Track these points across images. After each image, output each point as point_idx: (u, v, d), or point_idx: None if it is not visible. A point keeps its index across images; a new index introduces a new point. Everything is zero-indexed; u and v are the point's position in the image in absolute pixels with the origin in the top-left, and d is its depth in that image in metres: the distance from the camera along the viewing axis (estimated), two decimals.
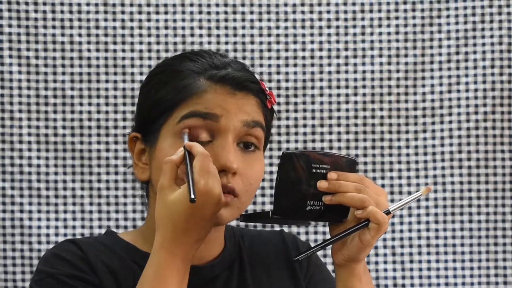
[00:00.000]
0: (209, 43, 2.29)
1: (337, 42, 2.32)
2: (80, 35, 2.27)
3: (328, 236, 2.31)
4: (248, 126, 1.36)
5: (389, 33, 2.32)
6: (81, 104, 2.27)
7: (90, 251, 1.37)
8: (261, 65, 2.30)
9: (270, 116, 1.43)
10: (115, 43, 2.28)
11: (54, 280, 1.34)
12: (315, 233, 2.30)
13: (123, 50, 2.28)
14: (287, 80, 2.31)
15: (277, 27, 2.31)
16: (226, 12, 2.30)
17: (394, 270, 2.30)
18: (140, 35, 2.28)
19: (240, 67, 1.41)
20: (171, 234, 1.25)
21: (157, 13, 2.29)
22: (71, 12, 2.27)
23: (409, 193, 2.32)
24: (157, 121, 1.37)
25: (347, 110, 2.32)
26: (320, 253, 2.20)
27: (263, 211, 1.34)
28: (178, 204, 1.23)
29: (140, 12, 2.29)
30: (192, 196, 1.20)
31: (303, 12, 2.32)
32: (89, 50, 2.27)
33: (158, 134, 1.37)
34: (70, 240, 1.40)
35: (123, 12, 2.28)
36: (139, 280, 1.28)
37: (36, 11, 2.26)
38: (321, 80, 2.32)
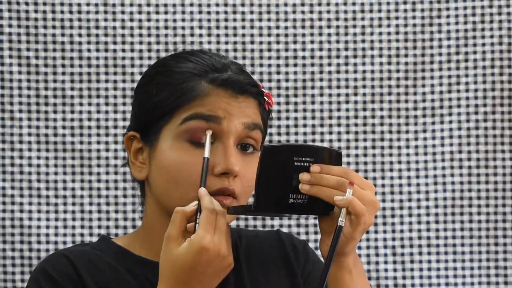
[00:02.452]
0: (209, 43, 2.29)
1: (337, 42, 2.32)
2: (80, 35, 2.27)
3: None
4: (249, 128, 1.37)
5: (389, 33, 2.32)
6: (81, 104, 2.27)
7: (82, 267, 1.36)
8: (261, 65, 2.30)
9: (267, 117, 1.44)
10: (115, 43, 2.28)
11: None
12: (315, 233, 2.30)
13: (123, 50, 2.28)
14: (287, 80, 2.31)
15: (277, 27, 2.31)
16: (226, 12, 2.30)
17: (395, 270, 2.30)
18: (140, 35, 2.28)
19: (239, 69, 1.41)
20: (173, 287, 1.24)
21: (157, 13, 2.29)
22: (71, 12, 2.27)
23: (409, 193, 2.32)
24: (158, 122, 1.37)
25: (347, 110, 2.32)
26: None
27: (244, 206, 1.33)
28: (183, 259, 1.23)
29: (140, 12, 2.29)
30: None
31: (303, 12, 2.32)
32: (89, 50, 2.27)
33: (159, 135, 1.37)
34: (62, 253, 1.39)
35: (123, 12, 2.28)
36: None
37: (36, 11, 2.26)
38: (321, 80, 2.32)
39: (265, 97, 1.42)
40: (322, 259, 1.36)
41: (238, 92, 1.37)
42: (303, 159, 1.27)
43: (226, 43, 2.30)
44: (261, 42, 2.31)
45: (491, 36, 2.31)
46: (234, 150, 1.35)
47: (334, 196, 1.25)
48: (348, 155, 2.31)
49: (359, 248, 2.27)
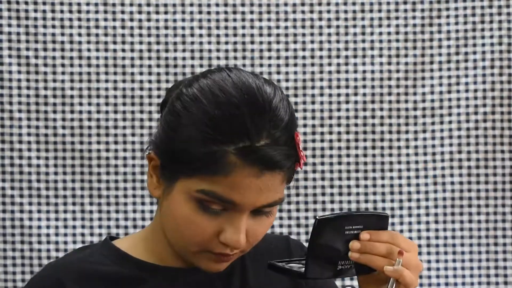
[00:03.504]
0: (209, 43, 2.29)
1: (337, 42, 2.32)
2: (80, 35, 2.27)
3: None
4: (266, 207, 1.28)
5: (389, 33, 2.32)
6: (81, 104, 2.27)
7: (69, 281, 1.34)
8: (261, 65, 2.30)
9: (295, 172, 1.32)
10: (115, 43, 2.28)
11: None
12: None
13: (123, 50, 2.28)
14: (287, 80, 2.31)
15: (277, 27, 2.31)
16: (226, 12, 2.30)
17: None
18: (140, 35, 2.28)
19: (276, 129, 1.25)
20: None
21: (157, 13, 2.29)
22: (71, 12, 2.27)
23: (409, 193, 2.32)
24: (178, 168, 1.28)
25: (347, 110, 2.32)
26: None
27: (292, 271, 1.32)
28: None
29: (140, 12, 2.28)
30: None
31: (303, 12, 2.32)
32: (89, 50, 2.27)
33: (175, 182, 1.29)
34: (54, 266, 1.37)
35: (123, 12, 2.28)
36: None
37: (36, 11, 2.26)
38: (321, 80, 2.32)
39: (299, 159, 1.28)
40: None
41: (265, 169, 1.23)
42: (353, 227, 1.27)
43: (226, 43, 2.30)
44: (261, 42, 2.31)
45: (491, 36, 2.32)
46: (244, 227, 1.27)
47: (383, 266, 1.25)
48: (348, 155, 2.31)
49: None
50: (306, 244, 1.43)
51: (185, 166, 1.26)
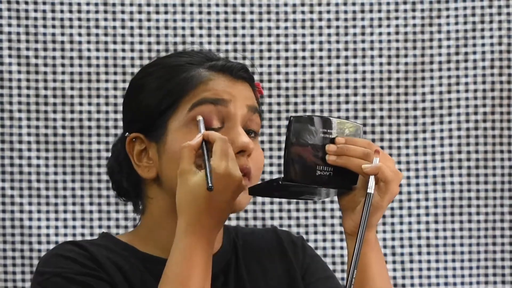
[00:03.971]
0: (209, 43, 2.29)
1: (337, 42, 2.32)
2: (80, 35, 2.27)
3: (328, 236, 2.32)
4: (252, 111, 1.39)
5: (389, 33, 2.32)
6: (81, 104, 2.27)
7: (94, 251, 1.37)
8: (261, 65, 2.30)
9: (259, 105, 1.47)
10: (115, 43, 2.28)
11: (62, 279, 1.31)
12: (315, 233, 2.30)
13: (123, 50, 2.28)
14: (287, 80, 2.31)
15: (277, 27, 2.31)
16: (226, 12, 2.30)
17: (394, 270, 2.30)
18: (140, 35, 2.28)
19: (228, 58, 1.46)
20: (195, 217, 1.27)
21: (157, 13, 2.29)
22: (71, 12, 2.26)
23: (409, 193, 2.32)
24: (163, 116, 1.38)
25: (347, 110, 2.32)
26: (321, 253, 2.20)
27: (269, 180, 1.34)
28: (201, 186, 1.25)
29: (140, 12, 2.28)
30: (210, 184, 1.22)
31: (303, 12, 2.32)
32: (89, 50, 2.27)
33: (165, 128, 1.38)
34: (70, 242, 1.39)
35: (123, 12, 2.28)
36: (164, 267, 1.28)
37: (36, 11, 2.25)
38: (321, 80, 2.32)
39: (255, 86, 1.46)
40: (344, 244, 1.37)
41: (235, 77, 1.40)
42: (328, 130, 1.29)
43: (226, 43, 2.30)
44: (261, 42, 2.31)
45: (491, 37, 2.32)
46: (243, 131, 1.37)
47: (361, 165, 1.28)
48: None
49: None
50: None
51: (167, 102, 1.37)
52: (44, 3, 2.25)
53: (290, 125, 1.27)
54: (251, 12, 2.31)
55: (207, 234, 1.28)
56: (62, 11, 2.26)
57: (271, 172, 2.30)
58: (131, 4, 2.28)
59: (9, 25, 2.25)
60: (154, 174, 1.39)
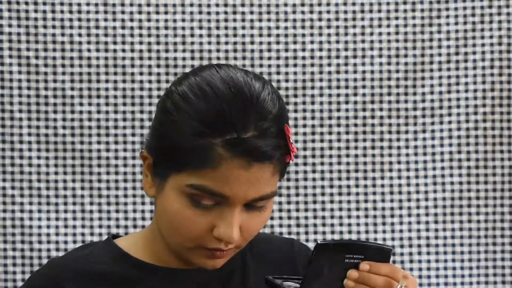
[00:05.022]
0: (209, 43, 2.29)
1: (337, 42, 2.32)
2: (80, 35, 2.27)
3: (328, 236, 2.32)
4: (257, 201, 1.28)
5: (389, 33, 2.32)
6: (81, 104, 2.27)
7: (65, 280, 1.35)
8: (261, 65, 2.30)
9: (286, 166, 1.31)
10: (115, 43, 2.28)
11: None
12: (315, 233, 2.30)
13: (123, 50, 2.28)
14: (287, 80, 2.31)
15: (277, 27, 2.31)
16: (226, 12, 2.30)
17: None
18: (140, 35, 2.28)
19: (265, 123, 1.23)
20: None
21: (157, 13, 2.29)
22: (71, 12, 2.27)
23: (409, 193, 2.32)
24: (168, 164, 1.29)
25: (347, 110, 2.32)
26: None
27: (290, 284, 1.31)
28: None
29: (140, 12, 2.28)
30: None
31: (303, 12, 2.32)
32: (89, 50, 2.27)
33: (167, 179, 1.29)
34: (52, 268, 1.38)
35: (123, 12, 2.28)
36: None
37: (36, 11, 2.26)
38: (321, 80, 2.32)
39: (289, 151, 1.27)
40: None
41: (253, 160, 1.22)
42: (354, 256, 1.26)
43: (226, 43, 2.30)
44: (261, 42, 2.31)
45: (491, 37, 2.32)
46: (237, 220, 1.27)
47: None
48: (348, 155, 2.32)
49: None
50: (311, 247, 1.43)
51: (174, 161, 1.27)
52: (44, 3, 2.26)
53: (313, 252, 1.22)
54: (251, 12, 2.31)
55: None
56: (62, 11, 2.26)
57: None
58: (131, 4, 2.28)
59: (10, 25, 2.25)
60: (153, 195, 1.35)
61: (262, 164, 1.23)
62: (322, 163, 2.31)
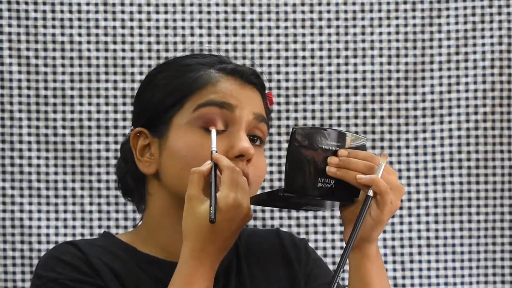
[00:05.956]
0: (209, 43, 2.29)
1: (337, 42, 2.32)
2: (80, 35, 2.27)
3: (328, 236, 2.32)
4: (258, 119, 1.39)
5: (389, 33, 2.32)
6: (81, 104, 2.27)
7: (91, 253, 1.37)
8: (261, 65, 2.30)
9: (269, 113, 1.45)
10: (115, 43, 2.28)
11: (57, 285, 1.33)
12: (315, 233, 2.30)
13: (123, 50, 2.28)
14: (287, 80, 2.31)
15: (277, 27, 2.31)
16: (226, 12, 2.30)
17: (394, 270, 2.30)
18: (140, 35, 2.28)
19: (241, 64, 1.45)
20: (200, 244, 1.26)
21: (157, 13, 2.29)
22: (71, 12, 2.27)
23: (409, 193, 2.32)
24: (169, 112, 1.38)
25: (347, 110, 2.32)
26: (321, 253, 2.19)
27: (271, 191, 1.33)
28: (207, 216, 1.25)
29: (140, 12, 2.28)
30: (212, 217, 1.22)
31: (303, 12, 2.32)
32: (89, 50, 2.27)
33: (170, 124, 1.38)
34: (68, 242, 1.40)
35: (123, 12, 2.28)
36: None
37: (36, 11, 2.25)
38: (321, 80, 2.32)
39: (266, 95, 1.44)
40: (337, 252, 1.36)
41: (245, 81, 1.39)
42: (331, 142, 1.28)
43: (226, 43, 2.30)
44: (261, 42, 2.31)
45: (491, 36, 2.32)
46: (246, 136, 1.37)
47: (361, 180, 1.28)
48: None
49: None
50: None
51: (174, 99, 1.37)
52: (44, 3, 2.25)
53: (292, 136, 1.27)
54: (251, 12, 2.31)
55: (211, 260, 1.27)
56: (62, 11, 2.26)
57: (271, 173, 2.30)
58: (131, 4, 2.28)
59: (9, 25, 2.25)
60: (154, 170, 1.40)
61: (252, 87, 1.40)
62: None
